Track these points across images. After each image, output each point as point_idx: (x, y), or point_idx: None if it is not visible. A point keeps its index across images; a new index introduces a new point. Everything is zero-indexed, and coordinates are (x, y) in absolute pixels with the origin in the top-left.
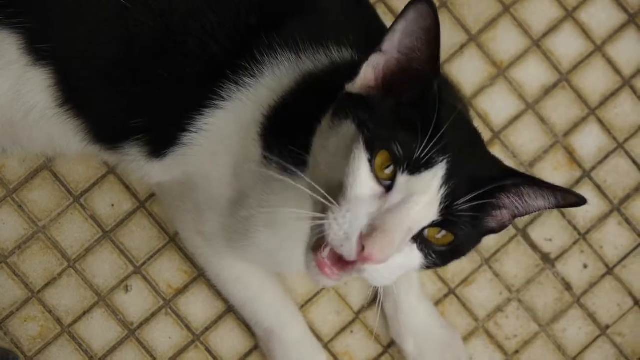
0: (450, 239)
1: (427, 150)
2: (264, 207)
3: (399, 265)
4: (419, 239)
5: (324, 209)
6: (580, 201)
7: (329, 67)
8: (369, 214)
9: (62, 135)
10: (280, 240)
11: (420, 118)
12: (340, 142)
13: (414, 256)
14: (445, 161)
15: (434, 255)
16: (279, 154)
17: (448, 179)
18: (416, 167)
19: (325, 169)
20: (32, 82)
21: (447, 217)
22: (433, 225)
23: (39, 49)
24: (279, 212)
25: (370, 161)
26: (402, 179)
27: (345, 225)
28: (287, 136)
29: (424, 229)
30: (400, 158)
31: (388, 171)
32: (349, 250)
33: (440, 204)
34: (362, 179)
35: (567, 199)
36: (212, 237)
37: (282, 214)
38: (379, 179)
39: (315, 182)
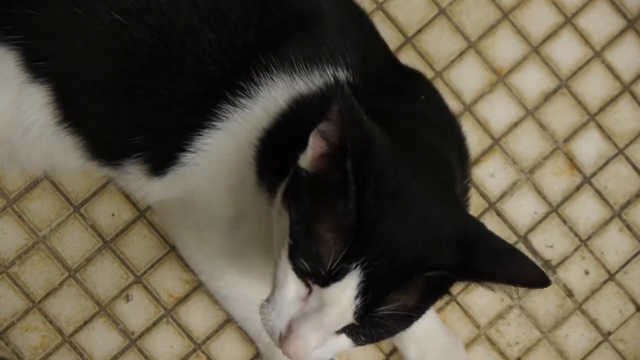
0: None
1: (336, 263)
2: (261, 232)
3: (326, 352)
4: (346, 327)
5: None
6: (544, 282)
7: (322, 89)
8: (289, 316)
9: (60, 152)
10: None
11: (341, 213)
12: (281, 232)
13: (341, 343)
14: (359, 268)
15: (363, 339)
16: (269, 181)
17: (365, 287)
18: (325, 280)
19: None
20: (31, 99)
21: (367, 321)
22: (353, 327)
23: (37, 66)
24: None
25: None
26: (315, 288)
27: (270, 322)
28: (275, 163)
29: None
30: (308, 274)
31: None
32: (277, 344)
33: (355, 313)
34: (288, 284)
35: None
36: (213, 255)
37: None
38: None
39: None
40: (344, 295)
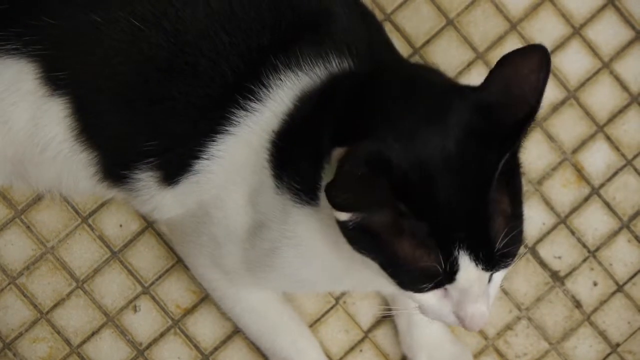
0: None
1: (443, 263)
2: (290, 237)
3: (491, 299)
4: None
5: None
6: None
7: (326, 82)
8: (449, 313)
9: (72, 173)
10: (313, 270)
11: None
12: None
13: (495, 284)
14: (461, 247)
15: (507, 267)
16: (288, 182)
17: (475, 252)
18: (448, 278)
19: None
20: (50, 113)
21: (498, 261)
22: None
23: (56, 77)
24: (311, 243)
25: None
26: (447, 287)
27: (438, 319)
28: (291, 162)
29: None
30: (431, 288)
31: None
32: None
33: (487, 271)
34: (423, 300)
35: None
36: (231, 269)
37: (315, 244)
38: None
39: None
40: (470, 275)
